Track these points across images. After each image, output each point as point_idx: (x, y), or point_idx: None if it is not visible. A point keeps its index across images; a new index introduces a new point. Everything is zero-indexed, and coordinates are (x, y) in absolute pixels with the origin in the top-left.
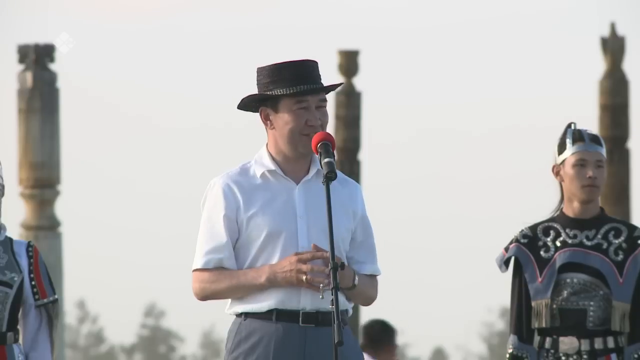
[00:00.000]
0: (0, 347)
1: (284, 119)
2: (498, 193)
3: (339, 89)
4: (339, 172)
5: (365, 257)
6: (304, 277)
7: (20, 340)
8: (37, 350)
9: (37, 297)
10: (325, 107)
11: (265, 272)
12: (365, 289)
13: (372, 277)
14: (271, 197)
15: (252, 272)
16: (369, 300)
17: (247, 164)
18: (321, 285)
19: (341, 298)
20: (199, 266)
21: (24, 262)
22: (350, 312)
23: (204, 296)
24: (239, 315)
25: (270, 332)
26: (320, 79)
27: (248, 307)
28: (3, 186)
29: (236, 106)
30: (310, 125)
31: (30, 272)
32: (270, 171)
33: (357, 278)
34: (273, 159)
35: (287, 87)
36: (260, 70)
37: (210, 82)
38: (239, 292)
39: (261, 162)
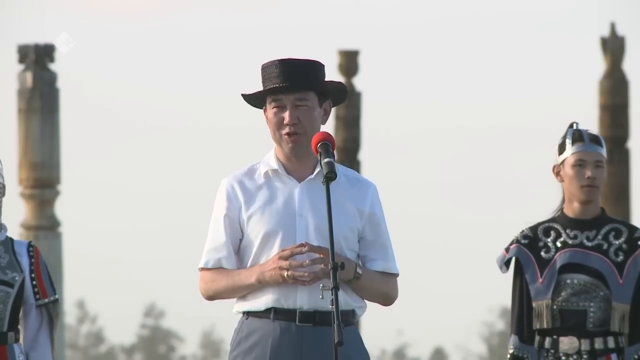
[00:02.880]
0: (1, 346)
1: (268, 117)
2: (498, 193)
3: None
4: (352, 172)
5: (376, 255)
6: (285, 274)
7: (21, 340)
8: (38, 350)
9: (38, 296)
10: (306, 105)
11: (255, 272)
12: (374, 285)
13: (386, 275)
14: (272, 196)
15: (245, 272)
16: (385, 298)
17: (256, 164)
18: (321, 285)
19: (346, 297)
20: (200, 265)
21: (25, 261)
22: (360, 312)
23: (208, 296)
24: (241, 314)
25: (269, 331)
26: (308, 79)
27: (248, 306)
28: (4, 186)
29: (251, 105)
30: (286, 123)
31: (31, 271)
32: (273, 170)
33: (360, 270)
34: (278, 158)
35: (267, 86)
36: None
37: (210, 82)
38: (235, 292)
39: (267, 162)
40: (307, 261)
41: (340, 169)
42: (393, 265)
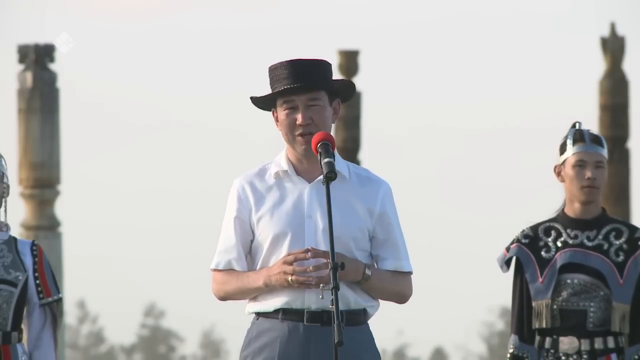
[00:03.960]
0: (4, 346)
1: (280, 119)
2: (499, 193)
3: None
4: (364, 170)
5: (388, 254)
6: (289, 278)
7: (24, 339)
8: (41, 349)
9: (41, 296)
10: (318, 105)
11: (262, 276)
12: (385, 285)
13: (397, 274)
14: (281, 197)
15: (253, 275)
16: (398, 297)
17: (267, 164)
18: (321, 285)
19: (356, 297)
20: (212, 266)
21: (28, 261)
22: (371, 311)
23: (220, 297)
24: (253, 314)
25: (277, 331)
26: (319, 79)
27: (258, 307)
28: (8, 186)
29: (258, 108)
30: (299, 124)
31: (34, 271)
32: (283, 171)
33: (368, 271)
34: (289, 159)
35: (275, 88)
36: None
37: (210, 81)
38: (245, 294)
39: (278, 163)
40: (310, 267)
41: (352, 167)
42: (405, 263)
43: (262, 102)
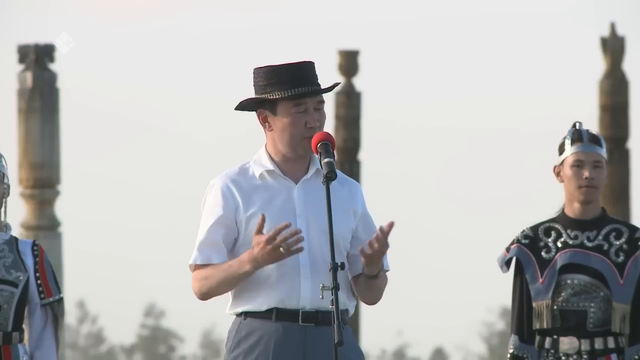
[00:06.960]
0: (5, 346)
1: (282, 122)
2: (500, 193)
3: (338, 88)
4: (338, 172)
5: None
6: (282, 249)
7: (25, 340)
8: (42, 349)
9: (42, 296)
10: (323, 108)
11: (246, 260)
12: (382, 283)
13: (383, 272)
14: (270, 197)
15: (236, 263)
16: (380, 296)
17: (246, 164)
18: (321, 285)
19: (342, 297)
20: (190, 262)
21: (29, 261)
22: (351, 311)
23: (202, 294)
24: (238, 314)
25: (270, 331)
26: (317, 80)
27: (248, 307)
28: (9, 186)
29: (234, 107)
30: (310, 127)
31: (35, 271)
32: (268, 171)
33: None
34: (272, 159)
35: (284, 90)
36: (256, 72)
37: (210, 82)
38: (230, 285)
39: (260, 163)
40: (297, 229)
41: None
42: (387, 262)
43: (252, 103)
